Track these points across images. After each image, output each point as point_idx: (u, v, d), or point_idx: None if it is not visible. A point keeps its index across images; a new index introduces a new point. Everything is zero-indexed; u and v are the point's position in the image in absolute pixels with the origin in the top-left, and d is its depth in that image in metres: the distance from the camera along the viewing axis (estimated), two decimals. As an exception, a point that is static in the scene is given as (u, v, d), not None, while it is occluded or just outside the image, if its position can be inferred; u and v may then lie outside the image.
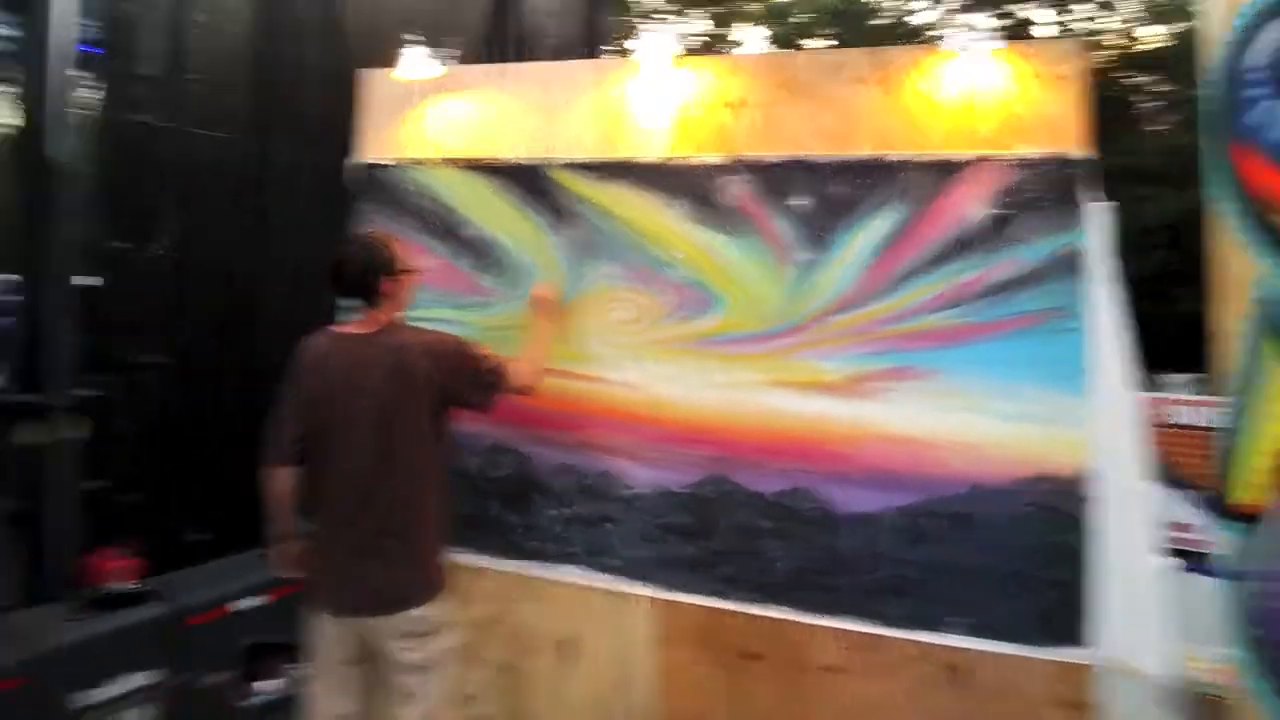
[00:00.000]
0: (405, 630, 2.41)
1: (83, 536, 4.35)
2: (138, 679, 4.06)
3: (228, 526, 5.14)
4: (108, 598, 4.04)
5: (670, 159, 2.78)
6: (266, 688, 3.10)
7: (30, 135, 4.30)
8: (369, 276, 2.48)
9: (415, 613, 2.41)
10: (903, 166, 2.52)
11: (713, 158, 2.73)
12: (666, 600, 2.67)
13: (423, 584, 2.45)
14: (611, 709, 2.73)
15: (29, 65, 4.33)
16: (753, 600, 2.57)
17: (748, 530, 2.58)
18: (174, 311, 4.76)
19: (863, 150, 2.57)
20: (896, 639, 2.44)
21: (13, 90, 4.76)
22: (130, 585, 4.17)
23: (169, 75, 4.70)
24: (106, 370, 4.48)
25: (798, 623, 2.50)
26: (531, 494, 2.89)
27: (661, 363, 2.73)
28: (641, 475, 2.72)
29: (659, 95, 2.85)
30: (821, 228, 2.57)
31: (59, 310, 4.24)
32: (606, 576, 2.76)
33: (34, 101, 4.30)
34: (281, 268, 5.24)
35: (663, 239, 2.78)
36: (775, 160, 2.65)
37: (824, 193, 2.58)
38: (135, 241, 4.59)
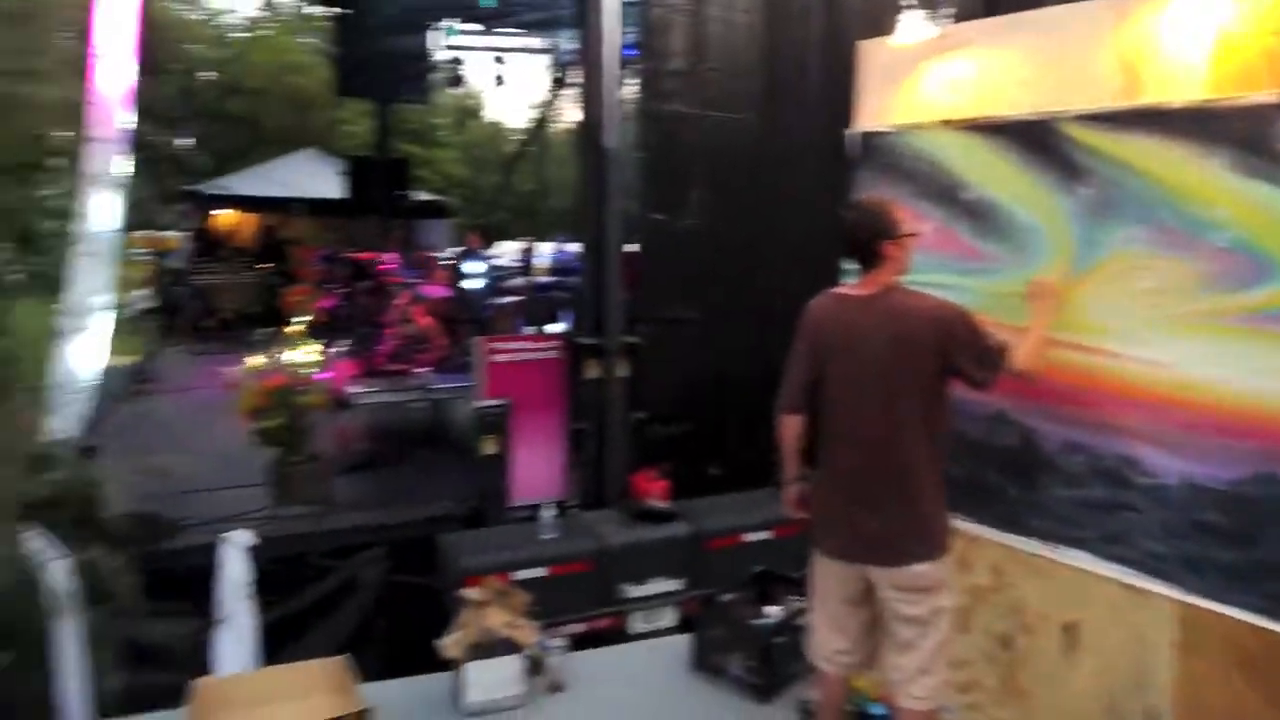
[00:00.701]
0: (904, 584, 2.51)
1: (628, 458, 5.33)
2: (668, 584, 4.91)
3: (741, 464, 5.85)
4: (647, 512, 4.91)
5: (1212, 101, 2.39)
6: (772, 612, 3.49)
7: (589, 127, 5.24)
8: (871, 240, 2.58)
9: (915, 568, 2.49)
10: None
11: (1269, 96, 2.28)
12: (1195, 606, 2.40)
13: (922, 541, 2.52)
14: (1122, 710, 2.56)
15: (587, 69, 5.26)
16: (1316, 628, 2.18)
17: (1310, 542, 2.18)
18: (700, 273, 5.46)
19: None
20: None
21: (576, 91, 5.79)
22: (664, 505, 5.02)
23: (692, 67, 5.33)
24: (647, 322, 5.35)
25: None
26: (1036, 469, 2.78)
27: (1196, 340, 2.40)
28: (1167, 464, 2.45)
29: (1192, 30, 2.44)
30: None
31: (612, 271, 5.16)
32: (1120, 568, 2.56)
33: (591, 99, 5.22)
34: (788, 234, 5.68)
35: (1201, 195, 2.41)
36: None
37: None
38: (668, 214, 5.36)
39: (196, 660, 4.43)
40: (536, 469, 5.28)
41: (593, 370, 5.19)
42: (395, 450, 6.05)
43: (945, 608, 2.59)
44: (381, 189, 11.50)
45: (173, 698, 4.69)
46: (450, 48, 11.21)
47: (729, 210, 5.54)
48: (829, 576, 2.71)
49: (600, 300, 5.17)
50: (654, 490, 5.10)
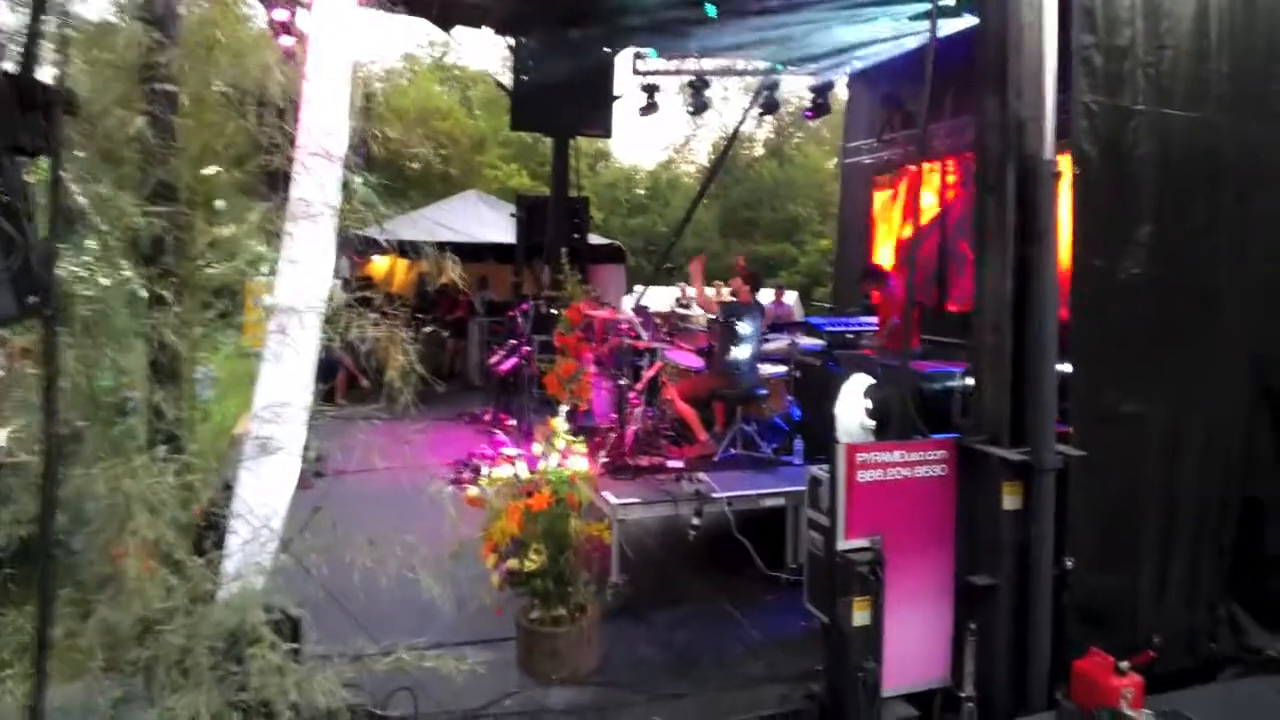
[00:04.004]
0: None
1: (1064, 629, 3.52)
2: None
3: (1181, 630, 3.97)
4: (1135, 734, 3.09)
5: None
6: None
7: (1005, 133, 3.53)
8: None
9: None
10: None
11: None
12: None
13: None
14: None
15: (995, 52, 3.56)
16: None
17: None
18: (1150, 346, 3.66)
19: None
20: None
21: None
22: (1147, 715, 3.19)
23: (1149, 45, 3.59)
24: (1084, 421, 3.56)
25: None
26: None
27: None
28: None
29: None
30: None
31: (1046, 344, 3.40)
32: None
33: (1009, 92, 3.51)
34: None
35: None
36: None
37: None
38: (1107, 258, 3.59)
39: None
40: (913, 640, 3.52)
41: (1011, 497, 3.41)
42: (666, 588, 4.40)
43: None
44: (557, 231, 10.13)
45: None
46: (642, 73, 9.83)
47: (1190, 251, 3.75)
48: None
49: (1021, 388, 3.41)
50: (1124, 687, 3.26)
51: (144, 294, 2.81)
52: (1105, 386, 3.59)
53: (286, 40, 5.85)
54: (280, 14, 6.34)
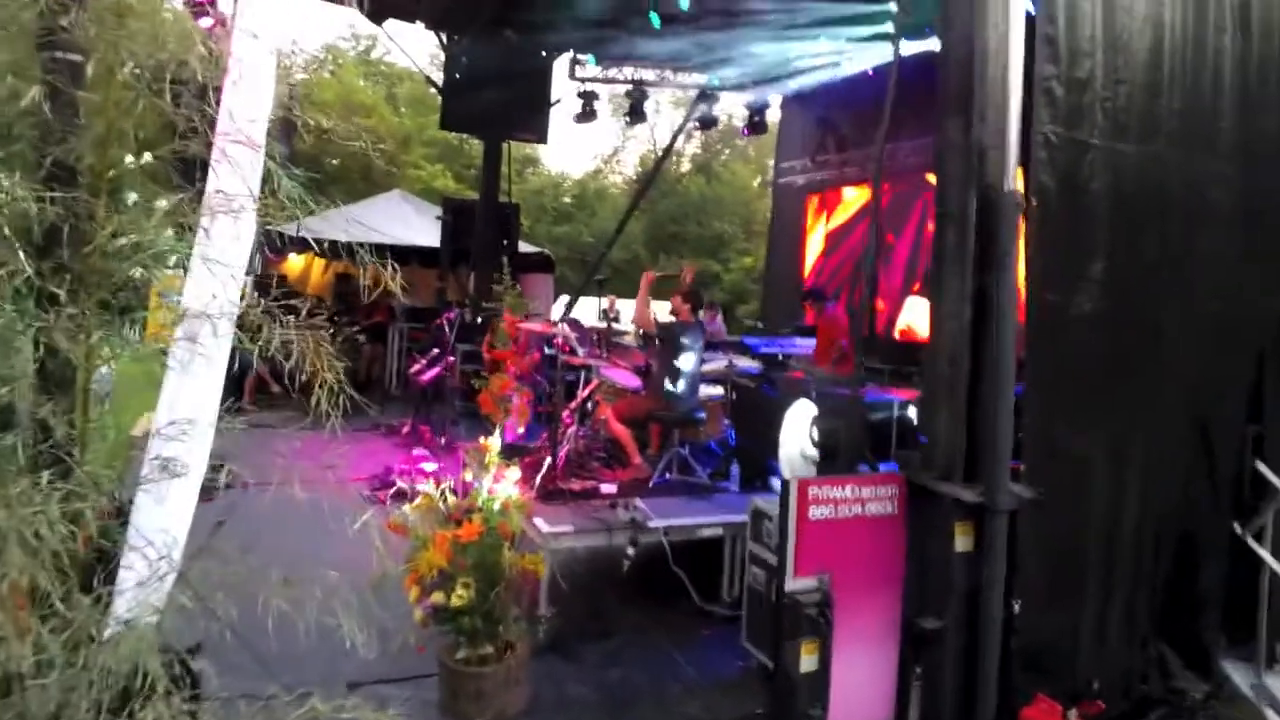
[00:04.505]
0: None
1: (1010, 674, 3.42)
2: None
3: (1120, 673, 3.95)
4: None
5: None
6: None
7: (967, 159, 3.45)
8: None
9: None
10: None
11: None
12: None
13: None
14: None
15: (957, 80, 3.49)
16: None
17: None
18: (1102, 381, 3.62)
19: None
20: None
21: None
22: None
23: (1107, 77, 3.56)
24: (1036, 457, 3.48)
25: None
26: None
27: None
28: None
29: None
30: None
31: (1003, 375, 3.30)
32: None
33: (970, 119, 3.44)
34: (1212, 327, 3.87)
35: None
36: None
37: None
38: (1061, 292, 3.53)
39: None
40: (859, 684, 3.37)
41: (964, 538, 3.30)
42: (597, 621, 4.16)
43: None
44: (487, 237, 9.81)
45: None
46: (580, 79, 9.61)
47: (1141, 288, 3.73)
48: None
49: (976, 422, 3.31)
50: (1072, 737, 3.19)
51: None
52: (1057, 422, 3.53)
53: (205, 22, 5.45)
54: (200, -8, 5.93)
